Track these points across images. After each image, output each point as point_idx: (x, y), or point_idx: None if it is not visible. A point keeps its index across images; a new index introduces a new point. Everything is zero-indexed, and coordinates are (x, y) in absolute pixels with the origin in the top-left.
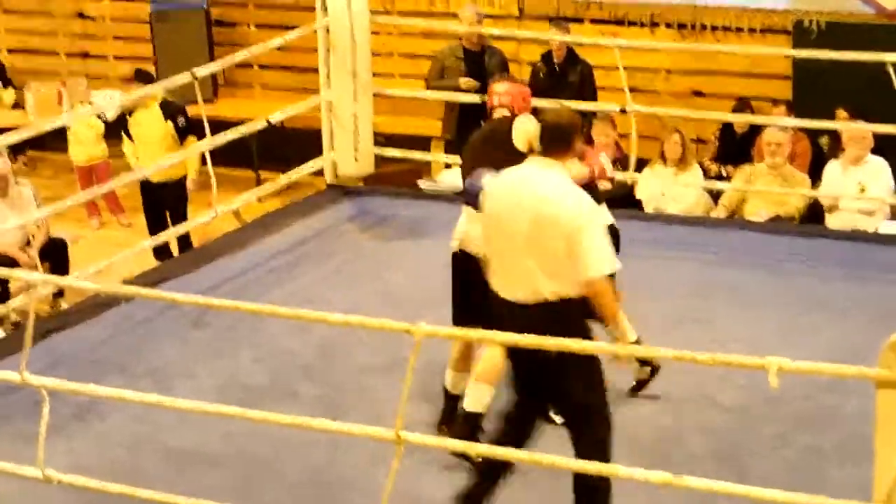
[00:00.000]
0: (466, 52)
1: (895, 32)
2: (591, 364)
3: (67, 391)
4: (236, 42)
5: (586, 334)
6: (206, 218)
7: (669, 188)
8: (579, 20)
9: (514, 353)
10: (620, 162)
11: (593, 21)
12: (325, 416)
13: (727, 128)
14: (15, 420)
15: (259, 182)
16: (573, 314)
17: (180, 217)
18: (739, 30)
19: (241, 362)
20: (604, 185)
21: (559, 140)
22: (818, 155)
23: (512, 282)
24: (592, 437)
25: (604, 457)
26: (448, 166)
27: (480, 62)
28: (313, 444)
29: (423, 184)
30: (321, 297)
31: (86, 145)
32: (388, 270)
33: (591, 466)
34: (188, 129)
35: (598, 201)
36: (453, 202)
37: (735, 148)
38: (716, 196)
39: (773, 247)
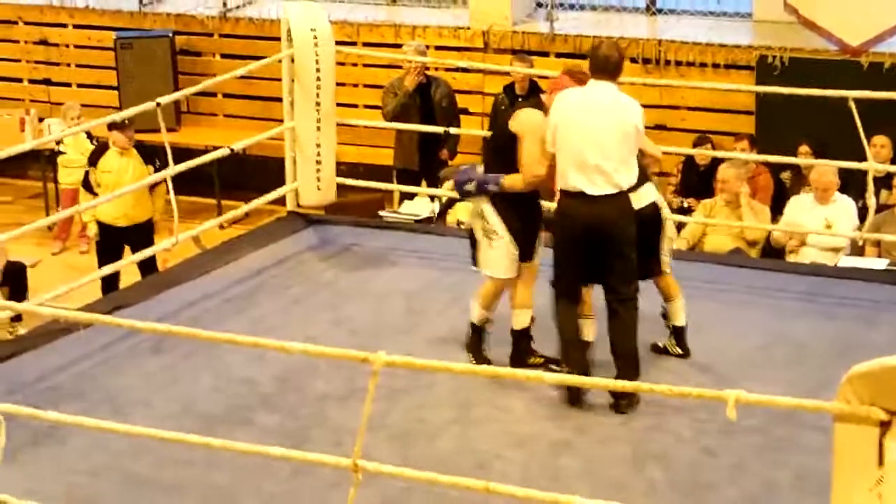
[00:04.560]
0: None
1: (857, 68)
2: None
3: (25, 416)
4: (201, 71)
5: None
6: (167, 244)
7: None
8: (544, 53)
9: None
10: None
11: (558, 55)
12: (284, 445)
13: (690, 162)
14: None
15: (221, 210)
16: None
17: (147, 260)
18: (703, 65)
19: (200, 390)
20: None
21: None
22: (781, 189)
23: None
24: None
25: None
26: (410, 197)
27: (427, 93)
28: (271, 471)
29: (385, 214)
30: (281, 326)
31: (74, 168)
32: (348, 299)
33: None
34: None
35: None
36: (414, 232)
37: (697, 181)
38: (677, 228)
39: (734, 280)
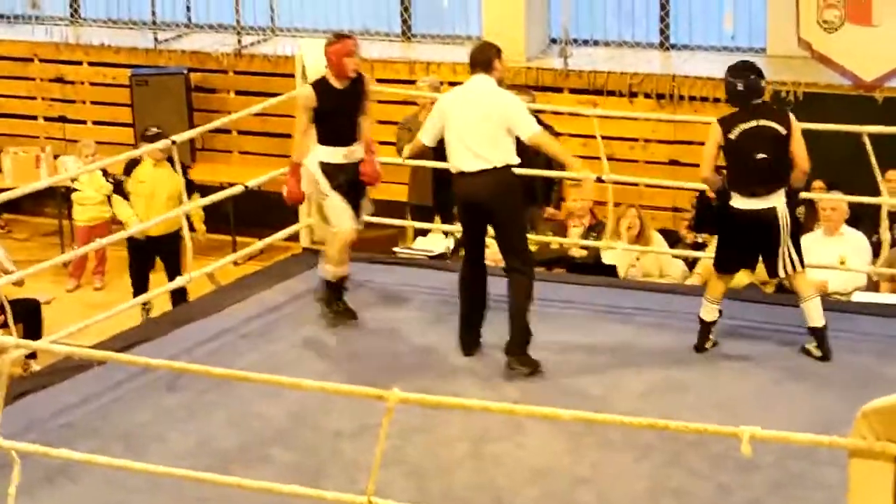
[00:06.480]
0: None
1: (872, 104)
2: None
3: (39, 454)
4: (215, 108)
5: None
6: (181, 282)
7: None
8: (559, 89)
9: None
10: (594, 229)
11: (572, 91)
12: (298, 481)
13: (704, 197)
14: None
15: (236, 246)
16: None
17: (176, 268)
18: (717, 100)
19: (214, 426)
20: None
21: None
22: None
23: None
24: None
25: None
26: (424, 233)
27: None
28: None
29: (399, 250)
30: (295, 362)
31: (90, 206)
32: (362, 335)
33: None
34: (190, 183)
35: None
36: (428, 269)
37: (712, 216)
38: (691, 264)
39: (749, 314)
